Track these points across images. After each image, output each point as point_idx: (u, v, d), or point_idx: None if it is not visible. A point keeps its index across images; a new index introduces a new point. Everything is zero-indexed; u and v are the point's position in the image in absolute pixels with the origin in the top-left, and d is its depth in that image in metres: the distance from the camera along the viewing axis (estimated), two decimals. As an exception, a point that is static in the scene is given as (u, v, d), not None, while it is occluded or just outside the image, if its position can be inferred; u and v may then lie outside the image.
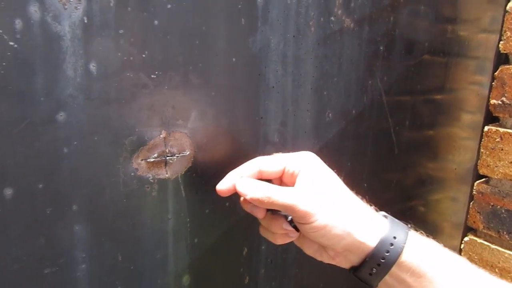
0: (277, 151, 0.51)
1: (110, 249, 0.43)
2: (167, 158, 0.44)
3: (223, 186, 0.43)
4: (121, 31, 0.39)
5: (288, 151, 0.51)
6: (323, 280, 0.65)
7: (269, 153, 0.52)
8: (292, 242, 0.58)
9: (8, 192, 0.36)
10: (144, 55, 0.40)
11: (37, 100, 0.36)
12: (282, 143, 0.53)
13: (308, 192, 0.42)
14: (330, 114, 0.56)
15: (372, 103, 0.62)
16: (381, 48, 0.61)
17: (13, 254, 0.38)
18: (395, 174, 0.73)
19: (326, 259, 0.46)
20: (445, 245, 0.44)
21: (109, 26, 0.38)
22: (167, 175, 0.45)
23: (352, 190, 0.45)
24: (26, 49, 0.35)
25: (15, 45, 0.34)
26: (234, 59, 0.46)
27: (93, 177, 0.40)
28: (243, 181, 0.42)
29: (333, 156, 0.58)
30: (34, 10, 0.34)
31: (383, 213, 0.46)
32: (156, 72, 0.41)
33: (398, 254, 0.41)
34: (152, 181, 0.44)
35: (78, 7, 0.36)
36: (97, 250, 0.42)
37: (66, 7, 0.36)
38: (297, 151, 0.47)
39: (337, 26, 0.54)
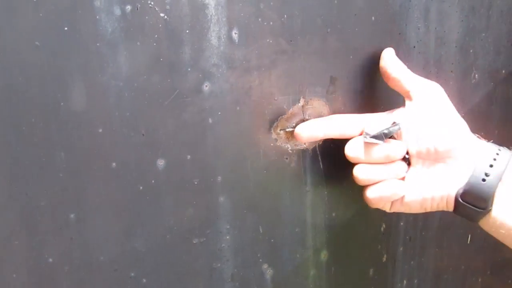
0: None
1: (252, 221, 0.43)
2: (305, 127, 0.42)
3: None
4: (261, -5, 0.37)
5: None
6: (465, 262, 0.59)
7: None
8: (433, 220, 0.53)
9: (161, 162, 0.37)
10: (283, 19, 0.39)
11: (184, 70, 0.36)
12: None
13: None
14: (476, 75, 0.50)
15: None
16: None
17: (166, 223, 0.39)
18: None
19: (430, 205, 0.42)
20: None
21: (250, -10, 0.37)
22: (305, 146, 0.43)
23: None
24: (175, 20, 0.35)
25: (165, 17, 0.34)
26: (373, 18, 0.42)
27: (236, 148, 0.40)
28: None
29: (479, 122, 0.51)
30: (182, -22, 0.34)
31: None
32: (295, 37, 0.40)
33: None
34: (290, 151, 0.43)
35: (221, -28, 0.36)
36: (240, 222, 0.42)
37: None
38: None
39: (482, -26, 0.48)
